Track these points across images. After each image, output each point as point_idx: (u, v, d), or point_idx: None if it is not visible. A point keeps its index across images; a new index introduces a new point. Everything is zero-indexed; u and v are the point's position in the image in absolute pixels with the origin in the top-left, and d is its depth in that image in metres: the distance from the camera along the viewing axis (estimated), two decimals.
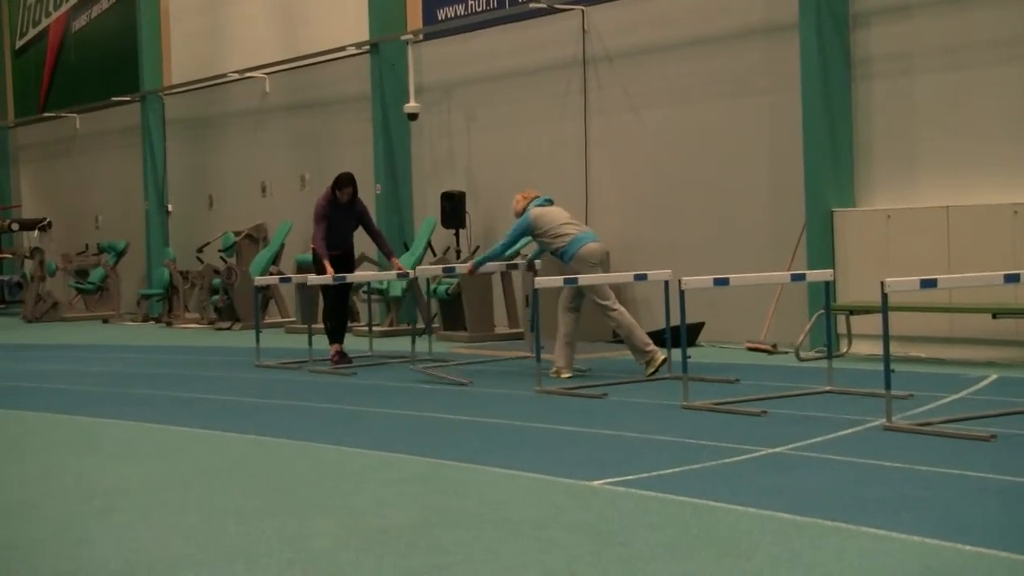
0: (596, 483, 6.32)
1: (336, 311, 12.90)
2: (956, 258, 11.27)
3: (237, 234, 19.35)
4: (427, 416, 9.07)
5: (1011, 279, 8.17)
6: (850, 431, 7.65)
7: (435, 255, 16.37)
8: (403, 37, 17.34)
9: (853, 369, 10.71)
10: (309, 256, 15.83)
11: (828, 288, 9.94)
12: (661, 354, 10.66)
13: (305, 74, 19.65)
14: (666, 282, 10.88)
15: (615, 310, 10.78)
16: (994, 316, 10.60)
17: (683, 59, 14.21)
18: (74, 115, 25.34)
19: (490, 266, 12.14)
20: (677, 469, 6.65)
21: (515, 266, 13.48)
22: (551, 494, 6.18)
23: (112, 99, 23.47)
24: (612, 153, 14.99)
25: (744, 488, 6.10)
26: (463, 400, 9.85)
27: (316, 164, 19.24)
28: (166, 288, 20.69)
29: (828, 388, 9.40)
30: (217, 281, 18.94)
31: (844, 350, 11.53)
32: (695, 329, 13.16)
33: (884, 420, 7.67)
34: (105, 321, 21.92)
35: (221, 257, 19.55)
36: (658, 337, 11.21)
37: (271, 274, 17.97)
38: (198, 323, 19.52)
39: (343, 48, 18.35)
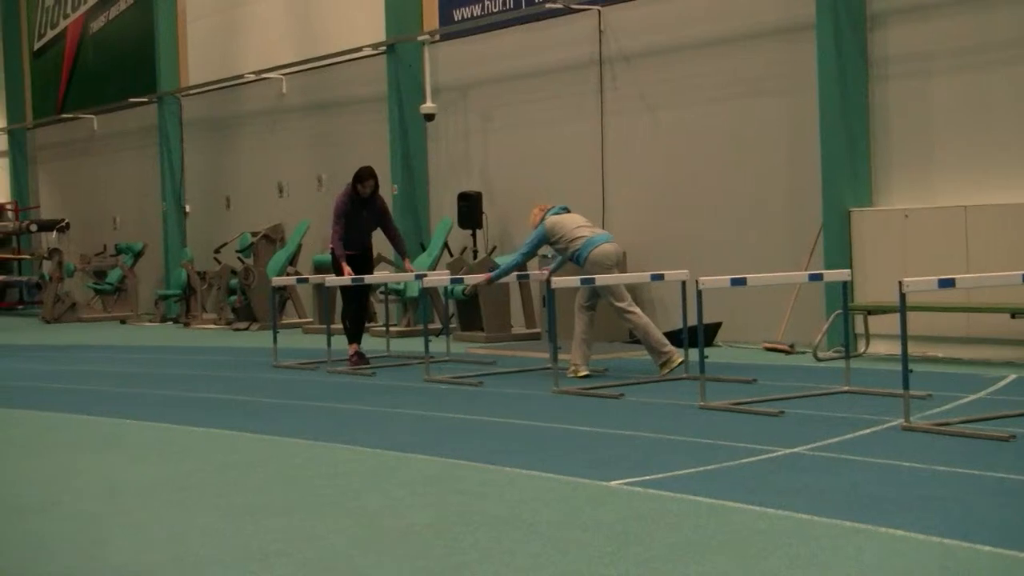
0: (613, 483, 6.32)
1: (354, 311, 12.92)
2: (974, 257, 11.23)
3: (254, 235, 19.40)
4: (444, 416, 9.08)
5: None
6: (868, 431, 7.63)
7: (452, 256, 16.39)
8: (419, 38, 17.36)
9: (871, 369, 10.69)
10: (326, 256, 15.88)
11: (845, 288, 9.91)
12: (679, 356, 10.66)
13: (322, 75, 19.69)
14: (683, 282, 10.88)
15: (631, 312, 10.78)
16: (1013, 316, 10.56)
17: (700, 59, 14.20)
18: (92, 116, 25.43)
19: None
20: (694, 469, 6.64)
21: (526, 276, 13.49)
22: (568, 494, 6.18)
23: (129, 100, 23.56)
24: (629, 154, 14.98)
25: (761, 488, 6.09)
26: (480, 400, 9.85)
27: (333, 165, 19.26)
28: (183, 289, 20.74)
29: (845, 388, 9.39)
30: (234, 282, 18.98)
31: (862, 350, 11.50)
32: (712, 329, 13.15)
33: (902, 420, 7.65)
34: (123, 322, 21.99)
35: (238, 258, 19.60)
36: (675, 337, 11.20)
37: (288, 274, 18.01)
38: (215, 324, 19.56)
39: (359, 49, 18.38)
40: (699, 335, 9.21)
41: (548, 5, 15.55)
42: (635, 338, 11.71)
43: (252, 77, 20.79)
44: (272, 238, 19.36)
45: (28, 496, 6.75)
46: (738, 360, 11.97)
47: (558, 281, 10.33)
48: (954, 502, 5.67)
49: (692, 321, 9.83)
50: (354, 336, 12.78)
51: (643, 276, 11.67)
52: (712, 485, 6.21)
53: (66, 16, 26.55)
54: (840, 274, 10.09)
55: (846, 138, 12.39)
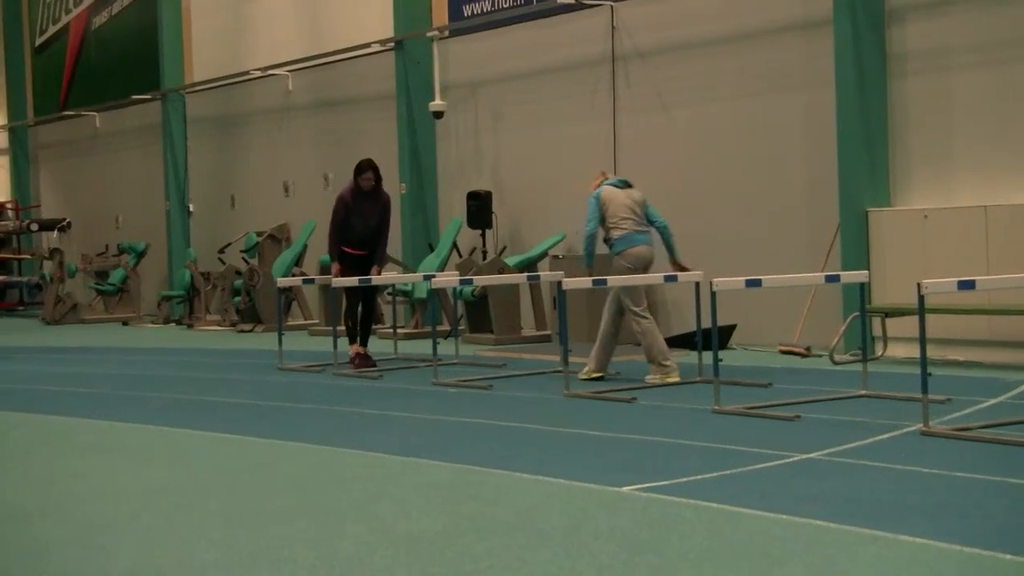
0: (626, 489, 6.33)
1: (353, 311, 12.91)
2: (995, 259, 11.22)
3: (259, 234, 19.42)
4: (453, 420, 9.09)
5: None
6: (886, 436, 7.63)
7: (460, 256, 16.40)
8: (428, 34, 17.38)
9: (889, 373, 10.68)
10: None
11: (863, 289, 9.91)
12: (676, 374, 10.65)
13: (329, 72, 19.71)
14: (697, 284, 10.89)
15: (644, 317, 10.74)
16: None
17: (715, 56, 14.20)
18: (94, 113, 25.49)
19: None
20: (708, 475, 6.65)
21: (536, 277, 13.49)
22: (580, 501, 6.19)
23: (133, 97, 23.62)
24: (642, 152, 14.98)
25: (777, 494, 6.10)
26: (490, 404, 9.86)
27: (340, 163, 19.25)
28: (187, 289, 20.78)
29: (863, 392, 9.38)
30: (239, 282, 19.01)
31: (879, 353, 11.47)
32: (727, 331, 13.14)
33: (921, 425, 7.65)
34: (125, 323, 22.04)
35: (243, 258, 19.62)
36: (689, 339, 11.20)
37: (294, 275, 18.02)
38: (219, 325, 19.59)
39: (367, 45, 18.40)
40: (713, 337, 9.21)
41: (560, 1, 15.56)
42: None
43: (258, 74, 20.83)
44: (278, 238, 19.38)
45: (30, 500, 6.77)
46: (753, 363, 11.97)
47: (569, 282, 10.35)
48: (975, 509, 5.67)
49: (706, 323, 9.83)
50: (355, 336, 12.79)
51: (657, 277, 11.67)
52: (727, 491, 6.22)
53: (68, 11, 26.62)
54: (857, 275, 10.09)
55: (864, 136, 12.38)
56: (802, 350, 12.48)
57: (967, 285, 7.91)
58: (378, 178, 12.71)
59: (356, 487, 6.82)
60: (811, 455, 7.08)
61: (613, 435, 8.09)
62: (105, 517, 6.28)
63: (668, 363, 10.69)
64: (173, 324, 21.04)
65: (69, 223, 24.70)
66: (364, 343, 12.80)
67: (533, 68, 16.40)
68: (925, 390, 7.63)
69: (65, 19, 26.74)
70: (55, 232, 24.62)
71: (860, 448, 7.27)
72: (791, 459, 7.00)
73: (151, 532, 5.91)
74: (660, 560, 5.01)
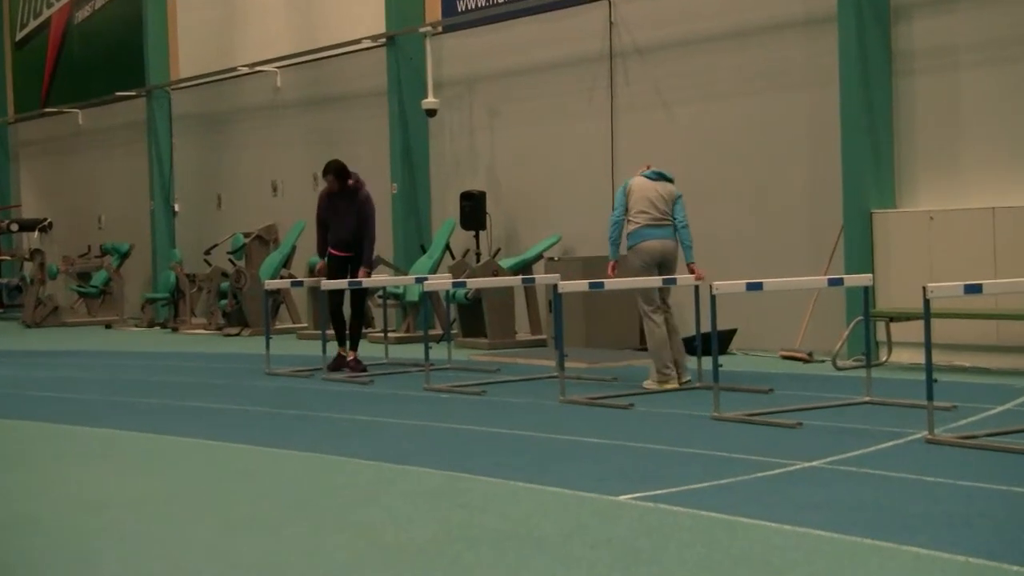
0: (623, 498, 6.34)
1: (335, 313, 12.97)
2: (1002, 262, 11.24)
3: (247, 235, 19.43)
4: (445, 427, 9.10)
5: None
6: (890, 444, 7.65)
7: (454, 258, 16.41)
8: (421, 29, 17.40)
9: (893, 379, 10.70)
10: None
11: (867, 293, 9.93)
12: (675, 382, 10.63)
13: (319, 68, 19.73)
14: (696, 287, 10.90)
15: (653, 320, 10.71)
16: None
17: (715, 53, 14.22)
18: (77, 110, 25.48)
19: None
20: (707, 483, 6.66)
21: (532, 280, 13.51)
22: (575, 509, 6.21)
23: (117, 94, 23.61)
24: (641, 151, 14.96)
25: (778, 504, 6.11)
26: (483, 410, 9.88)
27: None
28: (172, 292, 20.78)
29: (867, 399, 9.40)
30: (226, 285, 19.02)
31: (884, 359, 11.51)
32: (727, 336, 13.17)
33: (926, 433, 7.67)
34: (108, 326, 22.04)
35: (230, 259, 19.63)
36: (688, 344, 11.22)
37: (282, 277, 18.04)
38: (205, 329, 19.60)
39: (359, 41, 18.42)
40: (713, 342, 9.23)
41: None
42: (645, 346, 11.74)
43: (246, 70, 20.84)
44: (265, 239, 19.40)
45: (11, 510, 6.77)
46: (754, 369, 11.99)
47: (565, 285, 10.36)
48: (980, 519, 5.68)
49: (706, 327, 9.85)
50: (342, 340, 12.88)
51: (655, 280, 11.69)
52: (726, 500, 6.23)
53: (50, 5, 26.62)
54: (861, 279, 10.11)
55: (869, 136, 12.41)
56: (804, 355, 12.50)
57: (974, 289, 7.92)
58: (344, 179, 12.79)
59: (345, 494, 6.83)
60: (813, 463, 7.10)
61: (610, 442, 8.10)
62: (89, 526, 6.28)
63: (668, 371, 10.67)
64: (158, 327, 21.04)
65: (50, 223, 24.69)
66: (354, 347, 12.83)
67: (529, 65, 16.42)
68: (930, 397, 7.65)
69: (47, 13, 26.74)
70: (36, 232, 24.62)
71: (863, 456, 7.28)
72: (792, 467, 7.02)
73: (136, 541, 5.92)
74: (658, 571, 5.03)
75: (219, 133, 22.14)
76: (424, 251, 16.90)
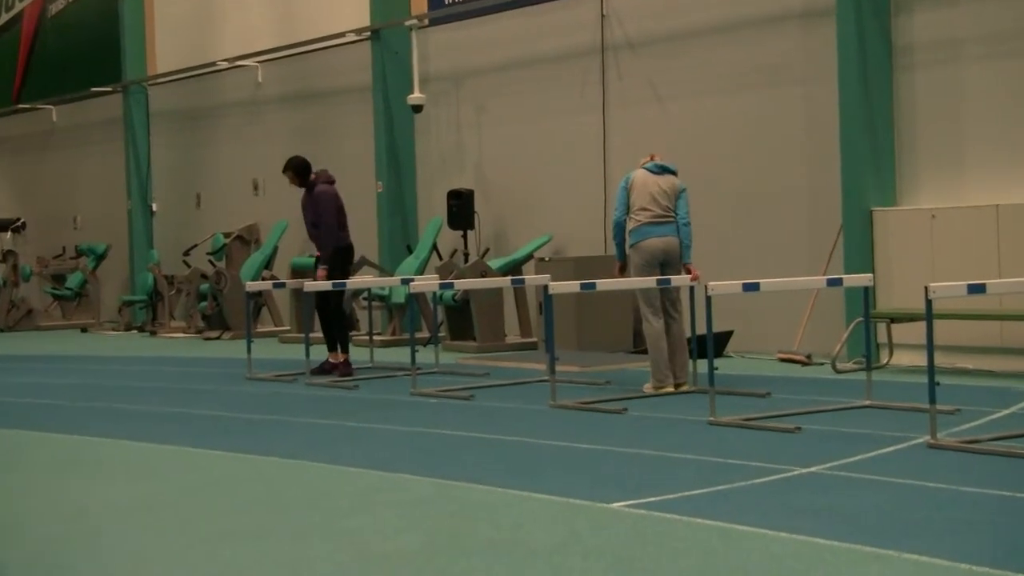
0: (616, 505, 6.35)
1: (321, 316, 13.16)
2: (1007, 261, 11.28)
3: (227, 235, 19.43)
4: (433, 432, 9.10)
5: None
6: (891, 449, 7.67)
7: (441, 258, 16.42)
8: (407, 22, 17.41)
9: (894, 382, 10.73)
10: (306, 260, 16.00)
11: (867, 294, 9.95)
12: (671, 386, 10.63)
13: (301, 62, 19.72)
14: (692, 287, 10.91)
15: (650, 323, 10.71)
16: None
17: (711, 46, 14.25)
18: (51, 107, 25.45)
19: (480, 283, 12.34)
20: (704, 490, 6.67)
21: (521, 281, 13.53)
22: (568, 517, 6.21)
23: (92, 90, 23.59)
24: (633, 148, 14.96)
25: (776, 511, 6.13)
26: (471, 415, 9.88)
27: (313, 160, 18.99)
28: (150, 294, 20.77)
29: (867, 402, 9.42)
30: (206, 287, 19.00)
31: (884, 361, 11.54)
32: (723, 338, 13.19)
33: (928, 437, 7.69)
34: (84, 330, 22.01)
35: (210, 260, 19.62)
36: None
37: (264, 279, 18.03)
38: (185, 332, 19.58)
39: (342, 34, 18.42)
40: (709, 344, 9.24)
41: None
42: (641, 348, 11.75)
43: (226, 65, 20.83)
44: (247, 239, 19.40)
45: None
46: (751, 372, 12.01)
47: (556, 286, 10.37)
48: (984, 525, 5.70)
49: (701, 329, 9.86)
50: (330, 346, 12.99)
51: (649, 281, 11.71)
52: (722, 507, 6.25)
53: None
54: (861, 279, 10.13)
55: (868, 132, 12.44)
56: (803, 358, 12.53)
57: (977, 289, 7.94)
58: (304, 176, 12.95)
59: (330, 503, 6.83)
60: (812, 469, 7.11)
61: (602, 448, 8.11)
62: (63, 536, 6.27)
63: (663, 377, 10.66)
64: (135, 331, 21.02)
65: (24, 223, 24.64)
66: (345, 350, 12.85)
67: (518, 59, 16.43)
68: (933, 400, 7.66)
69: (19, 6, 26.67)
70: (8, 233, 24.56)
71: (864, 462, 7.30)
72: (791, 473, 7.03)
73: (113, 551, 5.92)
74: None
75: (198, 130, 22.12)
76: (410, 251, 16.90)
